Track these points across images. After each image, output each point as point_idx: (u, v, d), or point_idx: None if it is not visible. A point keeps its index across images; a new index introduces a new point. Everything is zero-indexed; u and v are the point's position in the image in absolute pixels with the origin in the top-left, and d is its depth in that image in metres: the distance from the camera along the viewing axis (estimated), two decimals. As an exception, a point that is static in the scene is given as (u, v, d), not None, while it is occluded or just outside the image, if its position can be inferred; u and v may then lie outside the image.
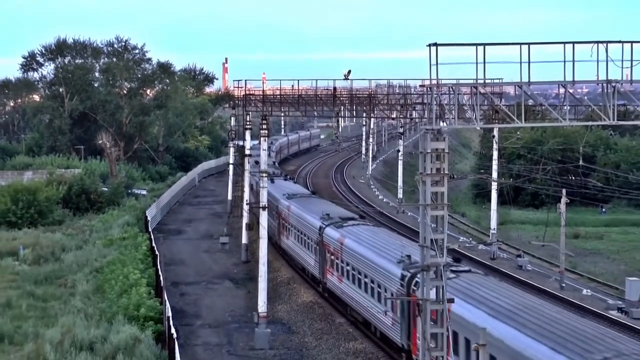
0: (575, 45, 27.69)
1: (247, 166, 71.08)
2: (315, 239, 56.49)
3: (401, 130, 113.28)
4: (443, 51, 27.08)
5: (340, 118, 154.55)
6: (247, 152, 71.09)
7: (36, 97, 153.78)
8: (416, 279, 38.85)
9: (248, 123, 68.61)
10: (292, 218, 64.35)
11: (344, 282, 50.24)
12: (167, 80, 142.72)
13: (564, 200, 60.93)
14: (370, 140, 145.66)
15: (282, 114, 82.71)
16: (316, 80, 60.70)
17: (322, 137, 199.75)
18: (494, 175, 72.13)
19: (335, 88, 62.14)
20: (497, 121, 48.27)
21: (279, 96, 61.08)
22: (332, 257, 52.55)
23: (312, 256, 57.90)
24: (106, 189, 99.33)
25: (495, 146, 72.13)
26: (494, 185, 72.07)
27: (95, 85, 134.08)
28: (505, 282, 42.86)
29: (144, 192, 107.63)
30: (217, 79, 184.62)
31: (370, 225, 57.04)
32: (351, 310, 50.07)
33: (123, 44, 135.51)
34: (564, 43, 27.76)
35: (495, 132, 73.08)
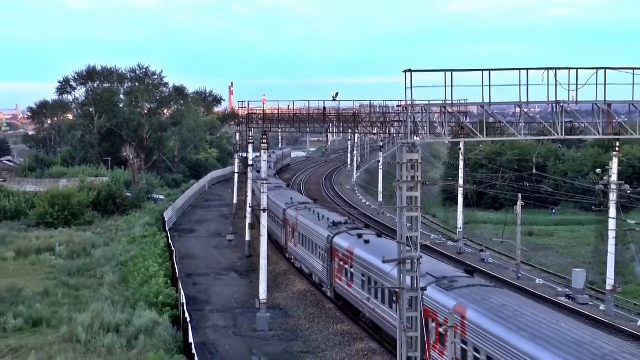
0: (529, 71, 27.74)
1: (249, 174, 70.90)
2: None
3: (381, 144, 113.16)
4: (417, 76, 27.14)
5: (329, 134, 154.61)
6: (250, 162, 70.99)
7: (70, 116, 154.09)
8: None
9: (250, 138, 68.57)
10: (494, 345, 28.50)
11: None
12: (182, 102, 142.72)
13: (520, 203, 61.02)
14: (355, 152, 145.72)
15: (280, 130, 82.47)
16: (309, 101, 60.62)
17: (292, 156, 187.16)
18: (460, 181, 72.16)
19: (325, 108, 62.02)
20: (462, 136, 48.29)
21: (277, 115, 61.02)
22: None
23: None
24: (130, 195, 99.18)
25: (461, 157, 72.25)
26: (460, 191, 72.12)
27: (120, 105, 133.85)
28: None
29: (162, 197, 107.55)
30: (224, 100, 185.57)
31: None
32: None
33: (144, 70, 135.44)
34: (519, 69, 27.81)
35: (461, 145, 73.10)
